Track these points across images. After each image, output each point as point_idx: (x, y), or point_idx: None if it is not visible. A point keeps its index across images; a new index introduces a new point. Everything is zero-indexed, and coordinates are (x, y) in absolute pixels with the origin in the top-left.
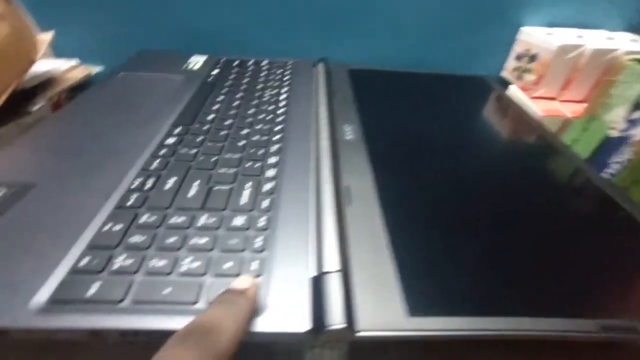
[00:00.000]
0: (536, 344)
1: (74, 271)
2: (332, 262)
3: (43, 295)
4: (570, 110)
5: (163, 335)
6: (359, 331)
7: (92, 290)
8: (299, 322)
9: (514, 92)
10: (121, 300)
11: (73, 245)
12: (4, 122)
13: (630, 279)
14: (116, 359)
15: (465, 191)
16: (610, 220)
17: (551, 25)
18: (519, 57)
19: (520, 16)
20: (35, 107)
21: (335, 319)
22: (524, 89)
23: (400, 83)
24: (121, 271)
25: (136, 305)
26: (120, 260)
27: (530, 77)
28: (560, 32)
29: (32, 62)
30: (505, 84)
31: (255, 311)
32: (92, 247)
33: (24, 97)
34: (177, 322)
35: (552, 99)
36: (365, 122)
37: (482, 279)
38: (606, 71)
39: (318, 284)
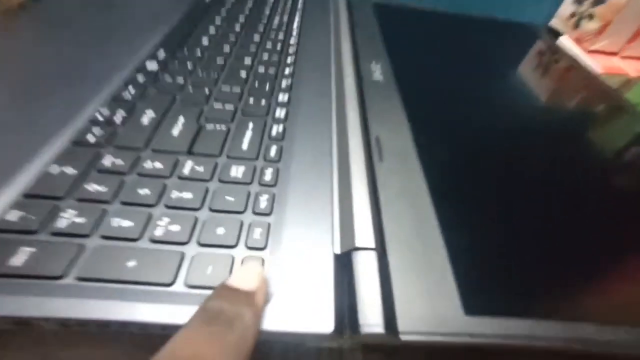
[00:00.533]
0: None
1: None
2: (364, 235)
3: None
4: (635, 68)
5: (122, 327)
6: (401, 333)
7: (20, 259)
8: (319, 320)
9: (566, 44)
10: (61, 276)
11: (3, 194)
12: None
13: None
14: (62, 355)
15: (518, 155)
16: None
17: None
18: (579, 0)
19: None
20: None
21: (371, 317)
22: (580, 40)
23: (433, 25)
24: (66, 231)
25: (82, 282)
26: (68, 217)
27: (591, 25)
28: None
29: None
30: (553, 34)
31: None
32: (30, 196)
33: None
34: (142, 311)
35: (613, 54)
36: (396, 62)
37: (562, 267)
38: None
39: (345, 265)
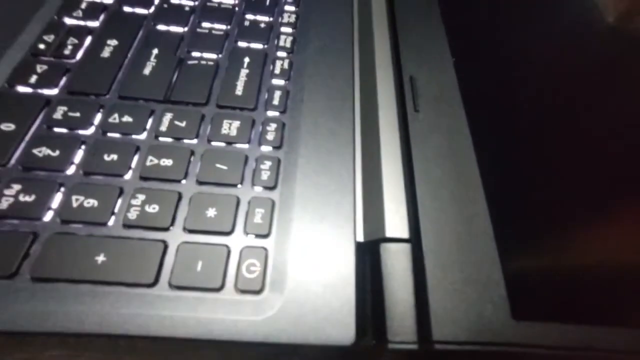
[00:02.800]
0: None
1: None
2: (395, 223)
3: None
4: None
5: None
6: (437, 342)
7: None
8: (337, 328)
9: None
10: (13, 276)
11: None
12: None
13: None
14: None
15: (587, 116)
16: None
17: None
18: None
19: None
20: None
21: (401, 327)
22: None
23: None
24: (12, 215)
25: (37, 283)
26: (11, 195)
27: None
28: None
29: None
30: None
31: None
32: None
33: None
34: (117, 320)
35: None
36: None
37: (619, 270)
38: None
39: (370, 258)
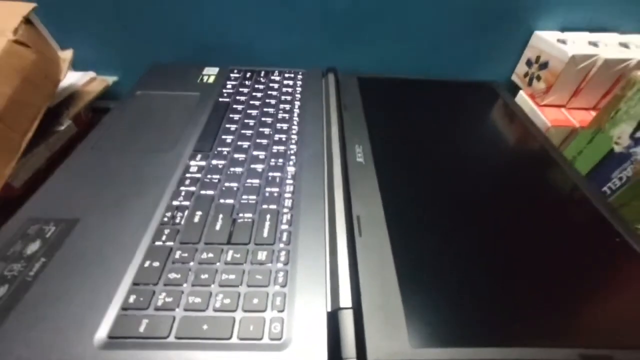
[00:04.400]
0: None
1: (124, 308)
2: (345, 298)
3: (103, 331)
4: (579, 119)
5: None
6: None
7: (142, 327)
8: (318, 355)
9: (523, 99)
10: (167, 336)
11: (120, 281)
12: (34, 144)
13: (613, 304)
14: None
15: (469, 214)
16: (601, 242)
17: (564, 29)
18: (529, 63)
19: (532, 19)
20: (63, 127)
21: (349, 352)
22: (533, 96)
23: (408, 91)
24: (163, 308)
25: (179, 340)
26: (162, 298)
27: (539, 85)
28: (573, 37)
29: (57, 83)
30: (515, 88)
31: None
32: (136, 284)
33: (49, 116)
34: (217, 356)
35: (561, 106)
36: (375, 141)
37: (485, 308)
38: (618, 81)
39: (334, 319)
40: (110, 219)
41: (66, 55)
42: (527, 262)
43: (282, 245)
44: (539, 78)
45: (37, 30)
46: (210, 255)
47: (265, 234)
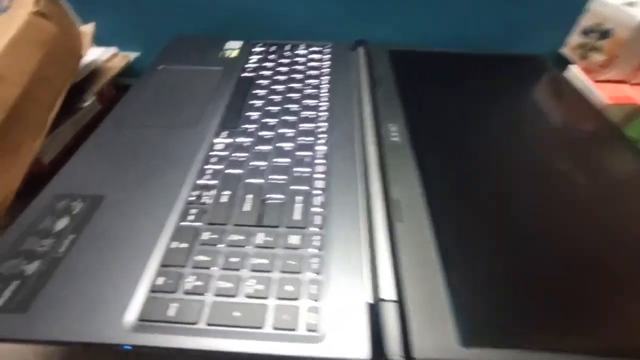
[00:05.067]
0: None
1: (153, 290)
2: (387, 290)
3: (132, 314)
4: None
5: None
6: (414, 358)
7: (171, 311)
8: (359, 350)
9: (574, 74)
10: (197, 322)
11: (148, 262)
12: (61, 121)
13: None
14: None
15: (520, 199)
16: None
17: None
18: (586, 32)
19: None
20: (87, 104)
21: (393, 348)
22: (588, 70)
23: (444, 66)
24: (192, 291)
25: (210, 327)
26: (191, 281)
27: (598, 57)
28: None
29: (80, 58)
30: (564, 62)
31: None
32: (165, 265)
33: (73, 92)
34: (249, 345)
35: (621, 82)
36: (410, 119)
37: (545, 306)
38: None
39: (375, 311)
40: (136, 196)
41: (87, 29)
42: (595, 254)
43: (315, 229)
44: (597, 49)
45: (58, 2)
46: (240, 237)
47: (296, 217)
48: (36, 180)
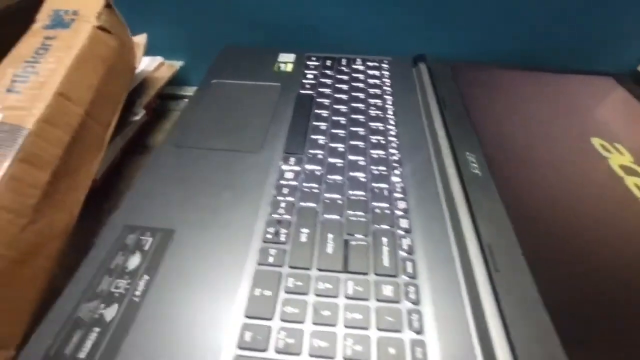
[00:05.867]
0: None
1: (241, 346)
2: (503, 356)
3: None
4: None
5: None
6: None
7: None
8: None
9: None
10: None
11: (230, 312)
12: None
13: None
14: None
15: (624, 234)
16: None
17: None
18: None
19: None
20: (138, 117)
21: None
22: None
23: (514, 84)
24: (285, 351)
25: None
26: (283, 338)
27: None
28: None
29: (134, 71)
30: None
31: None
32: (250, 317)
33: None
34: None
35: None
36: (487, 146)
37: None
38: None
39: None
40: (208, 231)
41: (140, 40)
42: None
43: (406, 278)
44: None
45: (117, 14)
46: (328, 286)
47: (385, 263)
48: (88, 196)
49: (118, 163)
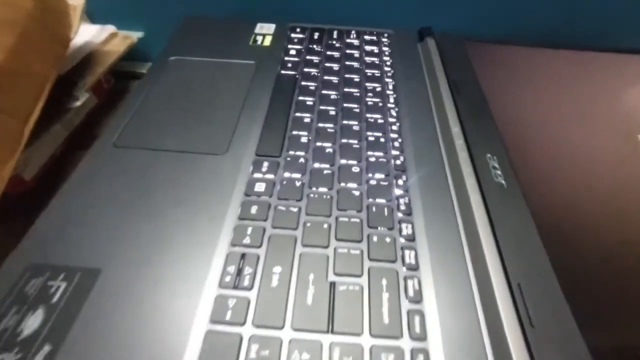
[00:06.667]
0: None
1: None
2: None
3: None
4: None
5: None
6: None
7: None
8: None
9: None
10: None
11: None
12: (47, 122)
13: None
14: None
15: None
16: None
17: None
18: None
19: None
20: (79, 103)
21: None
22: None
23: (537, 64)
24: None
25: None
26: None
27: None
28: None
29: (67, 42)
30: None
31: None
32: None
33: (61, 86)
34: None
35: None
36: (512, 146)
37: None
38: None
39: None
40: (147, 272)
41: (77, 3)
42: None
43: (415, 343)
44: None
45: None
46: (305, 355)
47: (385, 319)
48: (18, 202)
49: (60, 158)
